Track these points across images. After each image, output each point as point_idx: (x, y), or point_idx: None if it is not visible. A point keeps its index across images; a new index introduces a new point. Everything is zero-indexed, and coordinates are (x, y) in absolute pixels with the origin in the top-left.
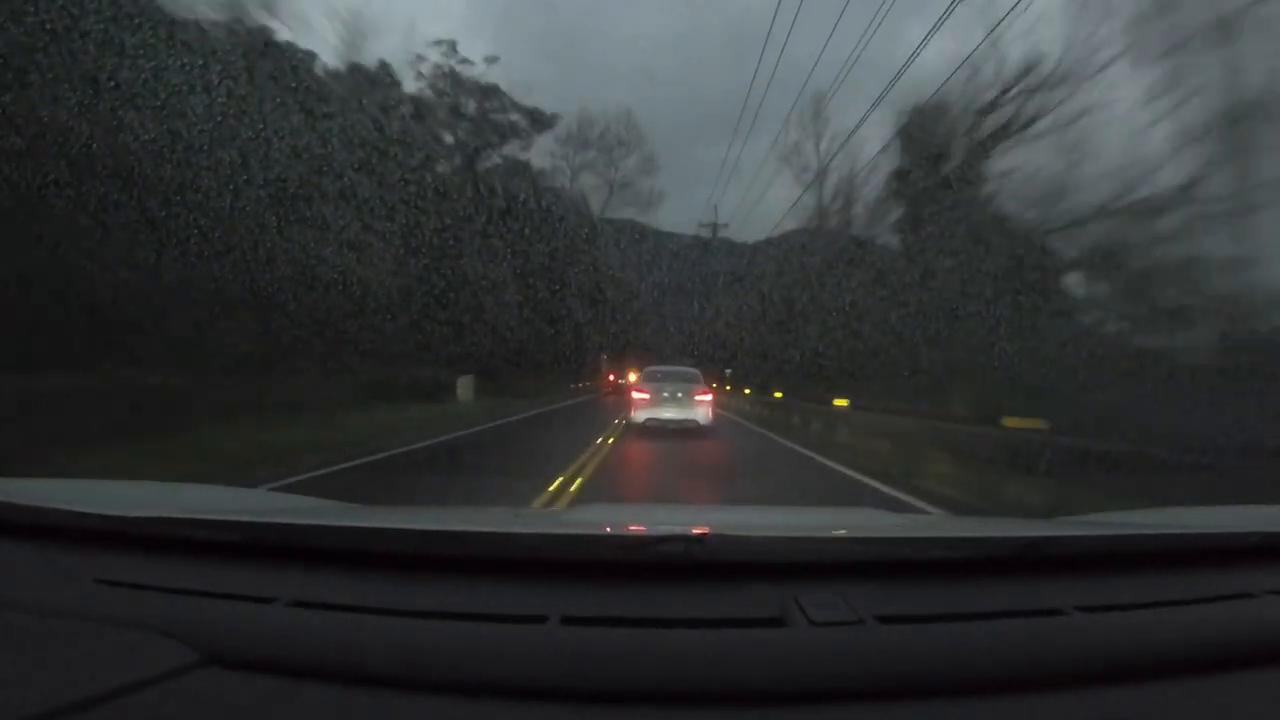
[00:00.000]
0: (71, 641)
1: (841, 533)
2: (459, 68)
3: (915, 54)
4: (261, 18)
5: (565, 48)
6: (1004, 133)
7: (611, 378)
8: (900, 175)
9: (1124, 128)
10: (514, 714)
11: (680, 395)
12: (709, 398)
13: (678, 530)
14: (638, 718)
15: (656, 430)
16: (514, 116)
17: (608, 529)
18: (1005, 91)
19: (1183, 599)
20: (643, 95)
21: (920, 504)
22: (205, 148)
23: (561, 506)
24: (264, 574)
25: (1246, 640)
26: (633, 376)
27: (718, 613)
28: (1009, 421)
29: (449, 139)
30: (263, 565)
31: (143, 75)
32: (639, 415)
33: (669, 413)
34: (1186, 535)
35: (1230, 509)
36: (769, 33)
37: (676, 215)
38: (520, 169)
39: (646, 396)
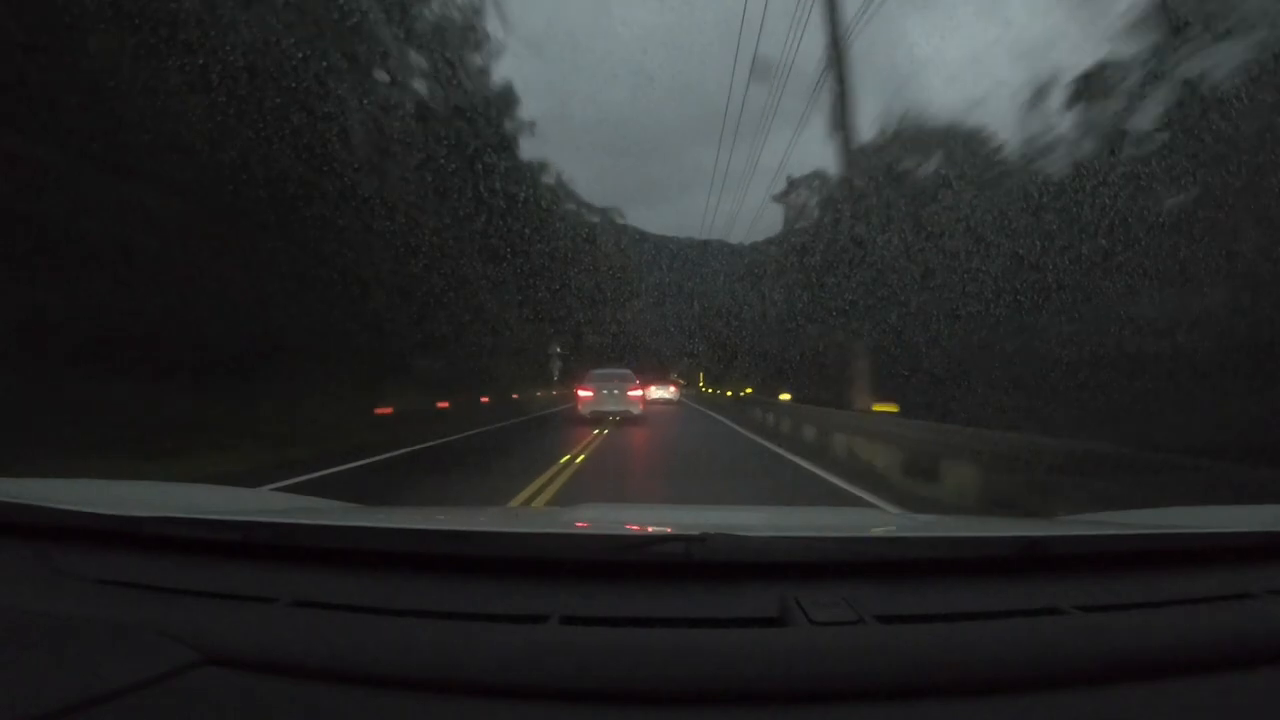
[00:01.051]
0: (73, 641)
1: (841, 532)
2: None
3: None
4: None
5: (564, 48)
6: None
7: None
8: None
9: None
10: (514, 714)
11: (617, 392)
12: (639, 393)
13: (678, 530)
14: (638, 718)
15: None
16: None
17: (608, 529)
18: None
19: (1183, 598)
20: (641, 96)
21: None
22: None
23: (559, 507)
24: (265, 574)
25: (1247, 640)
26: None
27: (718, 612)
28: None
29: None
30: (264, 565)
31: None
32: (585, 409)
33: (609, 405)
34: (1186, 535)
35: (1230, 509)
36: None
37: (679, 217)
38: None
39: (590, 394)
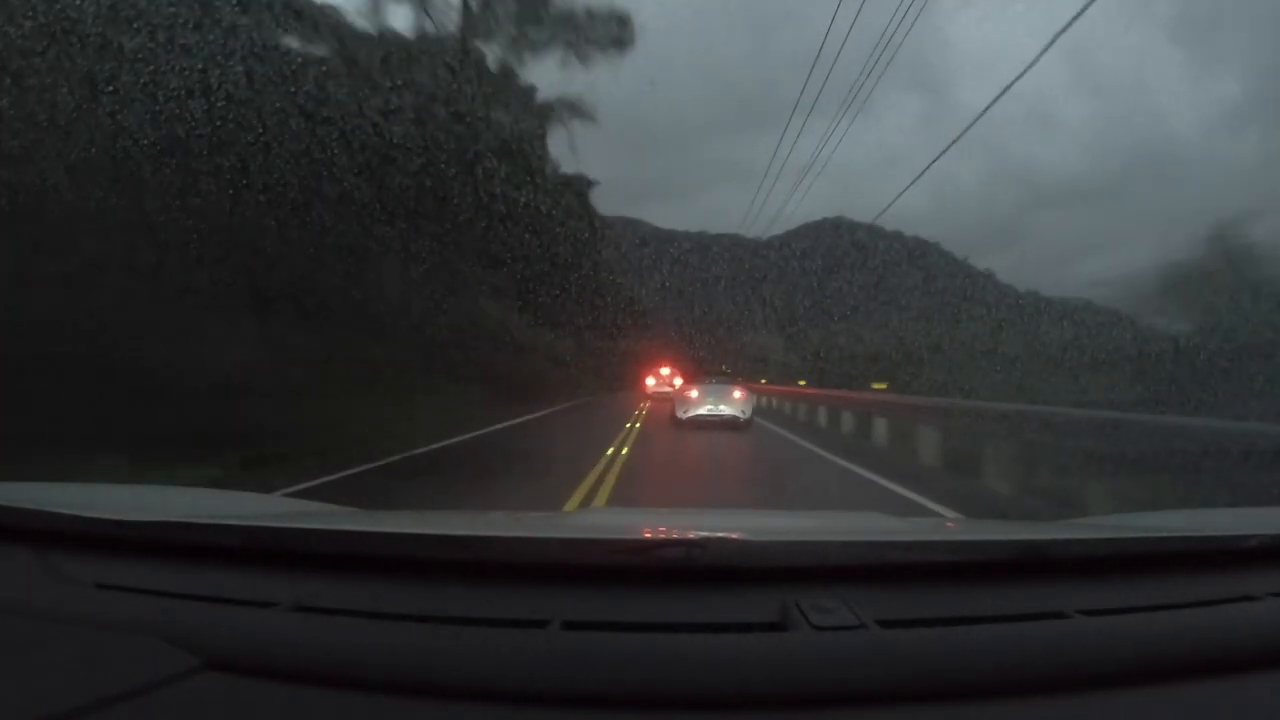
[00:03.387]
0: (73, 646)
1: (843, 537)
2: None
3: None
4: None
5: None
6: None
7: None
8: None
9: None
10: (516, 719)
11: (666, 385)
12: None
13: (679, 534)
14: None
15: None
16: None
17: (609, 533)
18: None
19: (1185, 602)
20: (649, 93)
21: None
22: None
23: (560, 512)
24: (265, 578)
25: (1248, 643)
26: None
27: (719, 617)
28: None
29: None
30: (264, 569)
31: None
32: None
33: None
34: (1188, 538)
35: (1231, 511)
36: None
37: (680, 214)
38: None
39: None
